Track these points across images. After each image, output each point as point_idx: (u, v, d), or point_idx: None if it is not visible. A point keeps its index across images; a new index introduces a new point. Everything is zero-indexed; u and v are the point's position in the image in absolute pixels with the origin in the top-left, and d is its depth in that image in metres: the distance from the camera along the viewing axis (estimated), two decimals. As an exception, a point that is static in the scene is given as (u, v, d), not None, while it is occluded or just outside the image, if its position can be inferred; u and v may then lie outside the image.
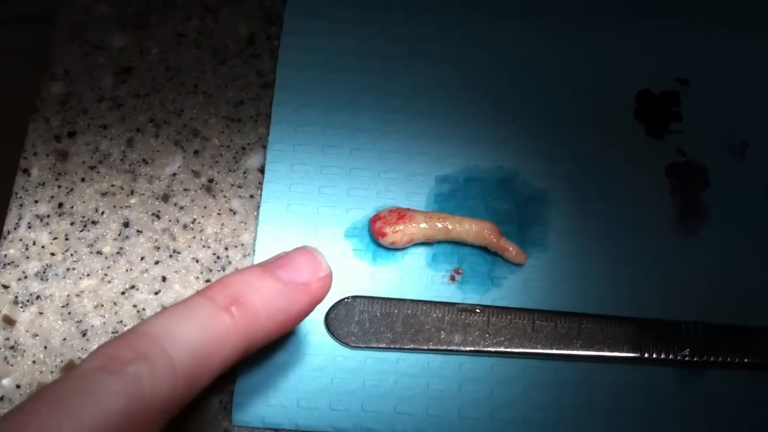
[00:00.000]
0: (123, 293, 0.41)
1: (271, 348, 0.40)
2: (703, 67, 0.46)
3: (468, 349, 0.40)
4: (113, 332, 0.40)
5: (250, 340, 0.32)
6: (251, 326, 0.32)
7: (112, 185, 0.43)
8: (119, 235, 0.42)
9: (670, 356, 0.40)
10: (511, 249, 0.41)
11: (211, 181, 0.43)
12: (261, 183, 0.43)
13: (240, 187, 0.43)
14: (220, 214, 0.43)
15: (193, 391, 0.30)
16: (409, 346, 0.40)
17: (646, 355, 0.40)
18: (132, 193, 0.43)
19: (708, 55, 0.47)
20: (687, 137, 0.45)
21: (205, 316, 0.31)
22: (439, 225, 0.41)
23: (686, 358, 0.40)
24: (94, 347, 0.35)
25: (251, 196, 0.43)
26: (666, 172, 0.44)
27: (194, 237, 0.42)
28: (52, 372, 0.39)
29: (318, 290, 0.34)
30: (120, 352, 0.29)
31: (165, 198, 0.43)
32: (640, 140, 0.45)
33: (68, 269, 0.42)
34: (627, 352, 0.40)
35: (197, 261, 0.42)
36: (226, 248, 0.42)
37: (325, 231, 0.42)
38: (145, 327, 0.30)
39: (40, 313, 0.41)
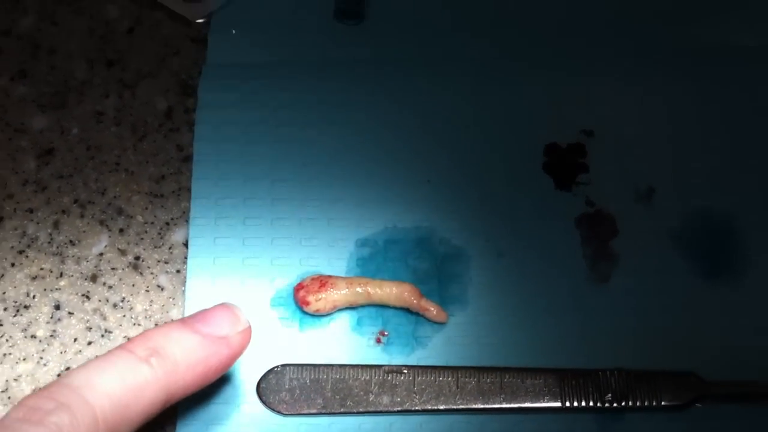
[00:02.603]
0: (59, 375, 0.42)
1: (207, 418, 0.41)
2: (606, 117, 0.48)
3: (396, 409, 0.41)
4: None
5: (170, 390, 0.34)
6: (170, 376, 0.34)
7: (41, 268, 0.44)
8: (51, 317, 0.43)
9: (591, 403, 0.41)
10: (432, 309, 0.43)
11: (137, 258, 0.44)
12: (186, 257, 0.44)
13: (166, 262, 0.44)
14: (148, 290, 0.44)
15: None
16: (339, 411, 0.41)
17: (567, 404, 0.41)
18: (61, 275, 0.44)
19: (610, 104, 0.49)
20: (594, 188, 0.46)
21: (125, 367, 0.33)
22: (360, 290, 0.43)
23: (606, 405, 0.41)
24: None
25: (178, 271, 0.44)
26: (576, 223, 0.46)
27: (124, 315, 0.43)
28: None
29: (237, 343, 0.36)
30: (41, 403, 0.30)
31: (93, 278, 0.44)
32: (550, 193, 0.46)
33: (4, 354, 0.42)
34: (549, 402, 0.41)
35: (128, 339, 0.43)
36: (156, 324, 0.43)
37: (252, 302, 0.43)
38: (66, 379, 0.32)
39: (-22, 401, 0.41)
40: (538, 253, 0.45)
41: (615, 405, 0.41)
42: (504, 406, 0.41)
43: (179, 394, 0.34)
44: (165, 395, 0.34)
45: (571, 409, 0.41)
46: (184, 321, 0.36)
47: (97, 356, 0.33)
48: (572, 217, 0.46)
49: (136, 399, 0.32)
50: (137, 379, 0.33)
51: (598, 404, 0.41)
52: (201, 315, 0.37)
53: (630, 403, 0.41)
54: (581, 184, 0.46)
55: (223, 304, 0.37)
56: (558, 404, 0.41)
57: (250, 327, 0.37)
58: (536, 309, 0.44)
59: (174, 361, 0.34)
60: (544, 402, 0.41)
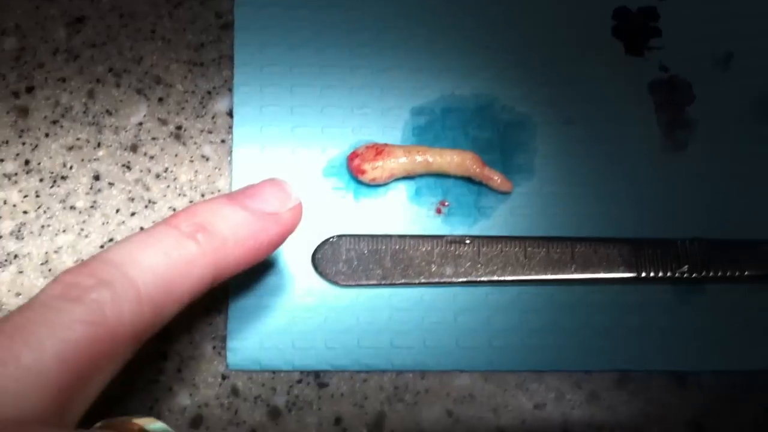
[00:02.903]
0: (102, 246, 0.39)
1: (260, 291, 0.39)
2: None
3: (460, 280, 0.39)
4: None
5: (218, 267, 0.31)
6: (218, 253, 0.31)
7: (78, 139, 0.41)
8: (91, 188, 0.40)
9: (668, 274, 0.39)
10: (495, 178, 0.40)
11: (179, 128, 0.41)
12: (231, 127, 0.41)
13: (210, 132, 0.41)
14: (192, 161, 0.41)
15: (160, 319, 0.29)
16: (400, 281, 0.39)
17: (643, 274, 0.39)
18: (99, 145, 0.41)
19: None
20: (668, 52, 0.43)
21: (170, 242, 0.30)
22: (419, 158, 0.40)
23: (684, 275, 0.39)
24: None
25: (222, 141, 0.41)
26: (649, 89, 0.43)
27: (168, 186, 0.40)
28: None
29: (288, 220, 0.33)
30: (80, 279, 0.28)
31: (134, 148, 0.41)
32: (620, 58, 0.43)
33: (43, 226, 0.40)
34: (623, 272, 0.39)
35: (174, 210, 0.40)
36: (203, 195, 0.40)
37: (303, 171, 0.40)
38: (108, 254, 0.29)
39: (20, 272, 0.39)
40: (608, 119, 0.42)
41: (694, 275, 0.39)
42: (575, 276, 0.39)
43: (228, 272, 0.31)
44: (213, 272, 0.31)
45: (647, 279, 0.39)
46: (230, 196, 0.33)
47: (139, 230, 0.30)
48: (645, 83, 0.43)
49: (182, 276, 0.29)
50: (183, 255, 0.30)
51: (676, 275, 0.39)
52: (249, 190, 0.33)
53: (710, 274, 0.39)
54: (654, 49, 0.43)
55: (271, 179, 0.34)
56: (633, 274, 0.39)
57: (300, 203, 0.34)
58: (607, 178, 0.41)
59: (222, 237, 0.31)
60: (618, 272, 0.39)
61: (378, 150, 0.40)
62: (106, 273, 0.28)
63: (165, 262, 0.29)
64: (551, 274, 0.39)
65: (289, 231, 0.33)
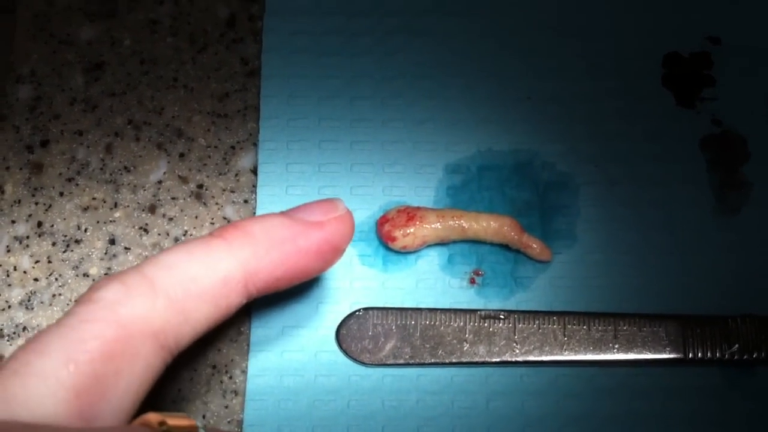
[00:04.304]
0: (113, 319, 0.37)
1: (280, 370, 0.37)
2: (736, 21, 0.42)
3: (494, 360, 0.37)
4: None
5: (249, 266, 0.29)
6: (247, 248, 0.29)
7: (94, 198, 0.39)
8: (106, 253, 0.39)
9: (717, 355, 0.36)
10: (534, 245, 0.38)
11: (200, 186, 0.39)
12: (255, 186, 0.39)
13: (232, 191, 0.39)
14: (213, 223, 0.39)
15: (185, 317, 0.27)
16: (429, 361, 0.37)
17: (690, 355, 0.37)
18: (116, 205, 0.39)
19: (741, 6, 0.42)
20: (722, 104, 0.40)
21: (195, 243, 0.29)
22: (454, 224, 0.37)
23: (734, 357, 0.36)
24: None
25: (245, 201, 0.39)
26: (701, 145, 0.40)
27: (186, 252, 0.38)
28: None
29: (333, 228, 0.31)
30: (101, 283, 0.27)
31: (152, 209, 0.39)
32: (670, 111, 0.40)
33: (54, 295, 0.38)
34: (669, 353, 0.37)
35: (191, 279, 0.38)
36: (222, 262, 0.38)
37: (329, 237, 0.38)
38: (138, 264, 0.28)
39: (27, 349, 0.37)
40: (656, 180, 0.39)
41: (745, 357, 0.36)
42: (618, 357, 0.37)
43: (264, 275, 0.29)
44: (243, 272, 0.29)
45: (695, 361, 0.37)
46: (279, 213, 0.31)
47: None
48: (696, 139, 0.40)
49: (206, 271, 0.28)
50: (205, 250, 0.28)
51: (726, 356, 0.36)
52: (297, 206, 0.32)
53: (763, 355, 0.36)
54: (707, 100, 0.40)
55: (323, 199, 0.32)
56: (680, 355, 0.37)
57: (349, 213, 0.32)
58: (654, 246, 0.38)
59: (253, 234, 0.29)
60: (663, 353, 0.37)
61: (410, 215, 0.38)
62: (120, 274, 0.27)
63: (185, 257, 0.28)
64: (592, 354, 0.36)
65: (334, 241, 0.31)
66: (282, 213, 0.31)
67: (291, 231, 0.30)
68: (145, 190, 0.40)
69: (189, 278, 0.28)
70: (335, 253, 0.31)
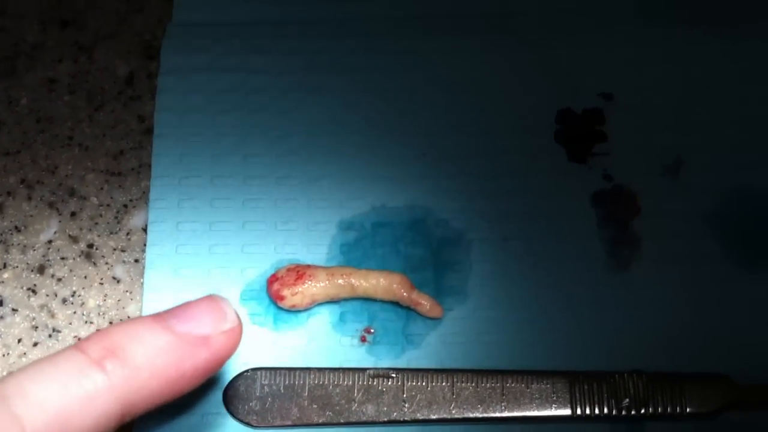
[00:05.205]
0: (-2, 381, 0.37)
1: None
2: (627, 78, 0.42)
3: (383, 419, 0.36)
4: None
5: (128, 401, 0.28)
6: (129, 383, 0.28)
7: (-18, 258, 0.39)
8: (-8, 315, 0.38)
9: (605, 411, 0.36)
10: (424, 302, 0.38)
11: (90, 246, 0.39)
12: (146, 245, 0.39)
13: (123, 251, 0.39)
14: (102, 283, 0.39)
15: None
16: (317, 422, 0.36)
17: (579, 411, 0.36)
18: (5, 266, 0.39)
19: (632, 64, 0.43)
20: (613, 159, 0.41)
21: (71, 371, 0.27)
22: (344, 282, 0.37)
23: (623, 413, 0.36)
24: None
25: (136, 261, 0.39)
26: (592, 200, 0.40)
27: (75, 312, 0.38)
28: None
29: (221, 345, 0.30)
30: None
31: (41, 269, 0.39)
32: (563, 166, 0.41)
33: (-63, 357, 0.37)
34: (557, 410, 0.36)
35: (79, 339, 0.37)
36: (110, 322, 0.38)
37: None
38: None
39: None
40: (549, 236, 0.39)
41: (633, 413, 0.36)
42: (506, 415, 0.36)
43: (141, 406, 0.29)
44: (121, 407, 0.28)
45: (583, 417, 0.36)
46: (156, 316, 0.30)
47: (42, 357, 0.28)
48: (588, 194, 0.40)
49: (81, 411, 0.27)
50: (85, 387, 0.27)
51: (614, 412, 0.36)
52: (179, 309, 0.31)
53: (651, 410, 0.36)
54: (598, 155, 0.41)
55: (209, 297, 0.31)
56: (568, 412, 0.36)
57: (239, 325, 0.31)
58: (545, 302, 0.38)
59: (135, 365, 0.28)
60: (551, 410, 0.36)
61: (299, 273, 0.37)
62: None
63: (60, 395, 0.27)
64: (480, 412, 0.36)
65: (220, 359, 0.30)
66: (165, 322, 0.30)
67: (175, 355, 0.29)
68: (34, 250, 0.39)
69: (63, 420, 0.26)
70: (220, 367, 0.31)
